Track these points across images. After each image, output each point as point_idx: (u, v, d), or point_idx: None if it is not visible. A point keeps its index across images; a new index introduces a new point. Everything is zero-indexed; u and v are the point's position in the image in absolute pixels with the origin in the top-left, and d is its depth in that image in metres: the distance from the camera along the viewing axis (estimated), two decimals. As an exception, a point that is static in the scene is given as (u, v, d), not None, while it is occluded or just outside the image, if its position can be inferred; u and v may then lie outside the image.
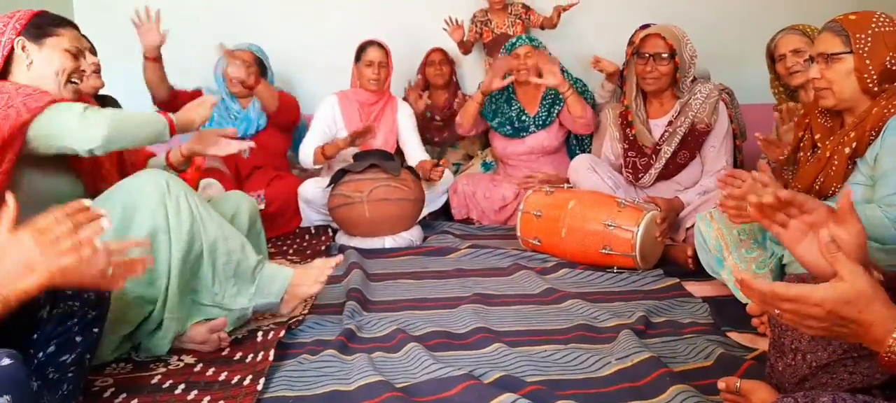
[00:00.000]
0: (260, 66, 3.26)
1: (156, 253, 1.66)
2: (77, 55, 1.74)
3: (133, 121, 1.73)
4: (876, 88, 1.67)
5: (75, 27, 1.77)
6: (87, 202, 1.15)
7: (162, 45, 2.89)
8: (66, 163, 1.74)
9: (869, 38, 1.65)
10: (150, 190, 1.66)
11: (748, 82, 3.40)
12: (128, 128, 1.69)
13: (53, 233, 1.08)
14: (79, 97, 1.79)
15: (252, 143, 2.11)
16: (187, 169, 2.13)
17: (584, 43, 4.08)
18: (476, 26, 3.96)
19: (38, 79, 1.68)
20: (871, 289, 0.89)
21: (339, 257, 1.98)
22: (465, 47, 3.96)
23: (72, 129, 1.60)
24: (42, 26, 1.70)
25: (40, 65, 1.69)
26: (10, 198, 1.10)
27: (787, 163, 1.98)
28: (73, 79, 1.73)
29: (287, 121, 3.34)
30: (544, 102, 3.23)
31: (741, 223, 1.90)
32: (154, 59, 2.96)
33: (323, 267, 1.87)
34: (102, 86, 2.63)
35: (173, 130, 1.81)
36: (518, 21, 3.92)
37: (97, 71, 2.58)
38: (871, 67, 1.65)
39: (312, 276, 1.85)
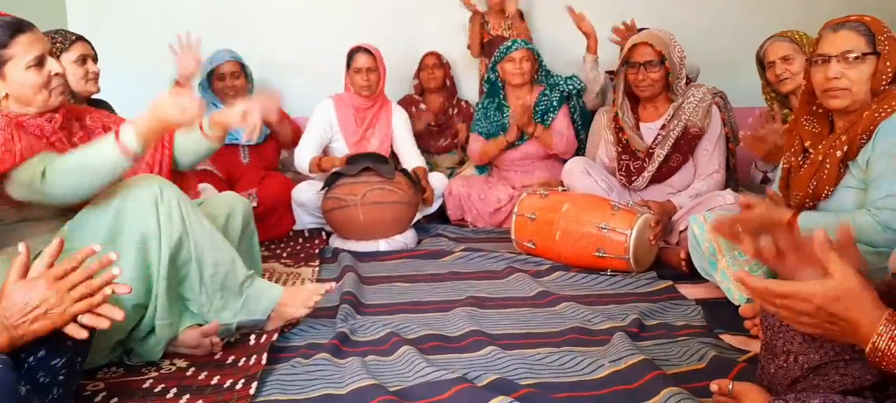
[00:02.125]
0: (245, 75, 3.28)
1: (147, 258, 1.65)
2: (41, 61, 1.61)
3: (87, 171, 1.57)
4: (884, 91, 1.68)
5: (25, 31, 1.60)
6: (97, 247, 1.17)
7: (195, 75, 2.89)
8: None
9: (887, 41, 1.66)
10: (143, 194, 1.64)
11: (741, 86, 3.41)
12: (82, 182, 1.57)
13: (69, 282, 1.12)
14: (65, 100, 1.72)
15: (276, 93, 2.00)
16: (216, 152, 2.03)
17: (579, 48, 4.09)
18: (474, 27, 3.96)
19: (21, 102, 1.63)
20: (860, 288, 0.90)
21: (331, 285, 1.98)
22: (475, 48, 3.96)
23: (32, 192, 1.55)
24: None
25: (15, 91, 1.61)
26: (22, 247, 1.14)
27: (788, 176, 1.97)
28: (52, 86, 1.64)
29: (292, 146, 3.37)
30: (537, 109, 3.23)
31: (734, 243, 1.91)
32: (184, 85, 2.93)
33: (312, 293, 1.86)
34: (97, 92, 2.61)
35: (134, 155, 1.59)
36: (514, 24, 3.94)
37: (95, 78, 2.56)
38: (889, 69, 1.65)
39: (301, 300, 1.85)
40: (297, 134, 3.35)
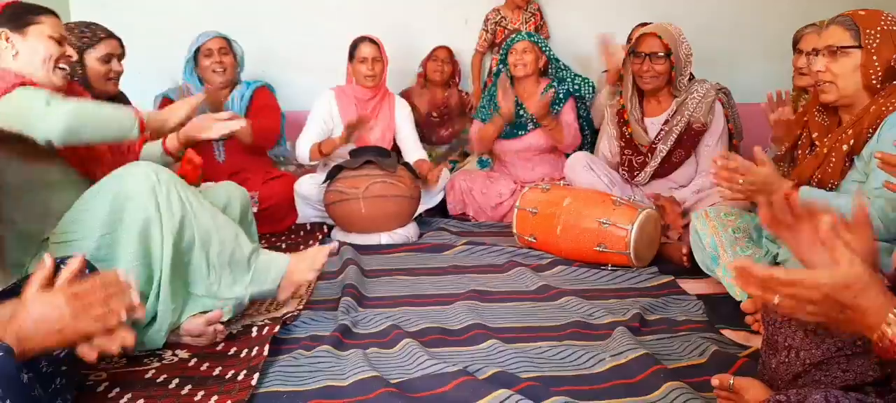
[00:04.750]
0: (233, 53, 3.21)
1: (148, 245, 1.65)
2: (61, 41, 1.74)
3: (98, 116, 1.64)
4: (878, 86, 1.67)
5: (54, 15, 1.76)
6: (121, 273, 1.15)
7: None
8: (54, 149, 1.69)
9: (878, 35, 1.66)
10: (140, 181, 1.65)
11: (741, 82, 3.41)
12: (91, 122, 1.62)
13: (88, 300, 1.09)
14: (69, 84, 1.80)
15: (244, 121, 2.02)
16: (182, 155, 2.12)
17: (581, 42, 4.09)
18: (488, 29, 3.97)
19: (25, 68, 1.69)
20: (867, 276, 0.89)
21: (334, 244, 1.99)
22: (476, 62, 3.99)
23: (31, 115, 1.56)
24: (22, 15, 1.70)
25: (26, 54, 1.70)
26: (47, 257, 1.12)
27: (784, 160, 1.98)
28: (61, 65, 1.74)
29: (266, 145, 3.28)
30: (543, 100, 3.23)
31: (733, 200, 1.88)
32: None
33: (318, 255, 1.88)
34: (115, 91, 2.57)
35: (144, 128, 1.71)
36: (532, 19, 3.94)
37: (116, 78, 2.49)
38: (877, 63, 1.66)
39: (307, 264, 1.87)
40: (261, 132, 3.18)
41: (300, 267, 1.87)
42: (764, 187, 1.77)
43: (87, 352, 1.11)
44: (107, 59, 2.30)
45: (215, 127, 1.99)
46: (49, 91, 1.64)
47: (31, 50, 1.70)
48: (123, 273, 1.18)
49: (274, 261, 1.86)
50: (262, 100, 3.28)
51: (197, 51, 3.16)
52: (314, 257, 1.88)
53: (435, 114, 3.83)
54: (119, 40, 2.44)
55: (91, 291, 1.10)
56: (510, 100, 3.11)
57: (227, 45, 3.18)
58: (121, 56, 2.48)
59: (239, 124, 1.99)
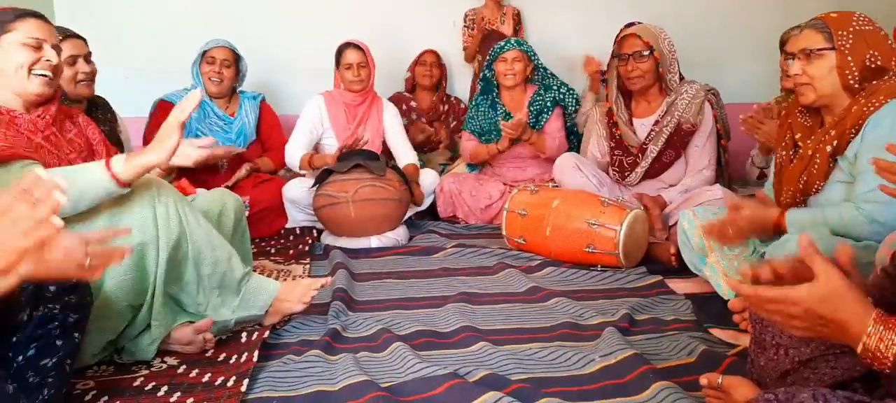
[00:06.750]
0: (236, 67, 3.25)
1: (144, 261, 1.63)
2: (38, 46, 1.66)
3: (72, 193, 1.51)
4: (857, 85, 1.69)
5: (37, 17, 1.68)
6: (41, 172, 1.06)
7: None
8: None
9: (850, 35, 1.68)
10: (138, 196, 1.62)
11: (728, 83, 3.43)
12: (81, 199, 1.53)
13: (13, 214, 0.98)
14: (55, 90, 1.73)
15: (227, 150, 1.99)
16: (170, 180, 2.08)
17: (568, 45, 4.11)
18: (468, 27, 3.98)
19: (1, 78, 1.64)
20: (844, 289, 0.91)
21: (328, 279, 1.98)
22: (469, 54, 3.99)
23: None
24: None
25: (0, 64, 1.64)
26: None
27: (779, 182, 1.99)
28: (37, 71, 1.66)
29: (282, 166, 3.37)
30: (531, 108, 3.24)
31: (726, 244, 1.96)
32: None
33: (309, 287, 1.87)
34: (90, 93, 2.53)
35: (122, 185, 1.55)
36: (509, 20, 3.95)
37: (87, 79, 2.46)
38: (852, 64, 1.68)
39: (297, 295, 1.86)
40: (278, 159, 3.31)
41: (290, 297, 1.85)
42: (753, 225, 1.82)
43: (85, 271, 1.05)
44: (71, 61, 2.24)
45: (193, 153, 1.92)
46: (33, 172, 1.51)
47: (4, 60, 1.63)
48: (43, 171, 1.10)
49: (264, 288, 1.84)
50: (270, 121, 3.38)
51: (204, 53, 3.19)
52: (305, 289, 1.86)
53: (423, 120, 3.84)
54: (82, 39, 2.38)
55: (13, 204, 0.98)
56: (511, 137, 3.13)
57: (232, 59, 3.20)
58: (88, 55, 2.42)
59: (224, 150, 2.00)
